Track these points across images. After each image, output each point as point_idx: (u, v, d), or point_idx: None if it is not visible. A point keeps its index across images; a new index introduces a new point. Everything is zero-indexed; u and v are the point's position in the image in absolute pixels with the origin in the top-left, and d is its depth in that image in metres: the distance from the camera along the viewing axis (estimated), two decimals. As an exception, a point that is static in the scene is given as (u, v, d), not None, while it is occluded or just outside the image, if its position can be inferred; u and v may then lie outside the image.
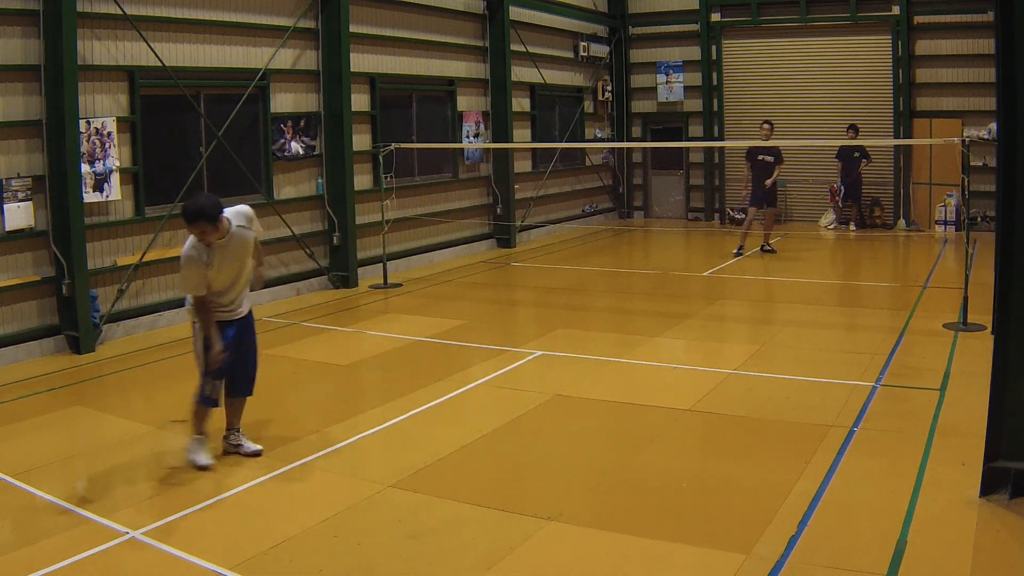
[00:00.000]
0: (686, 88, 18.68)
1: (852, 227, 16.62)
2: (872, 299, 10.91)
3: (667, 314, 10.10)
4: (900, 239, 15.69)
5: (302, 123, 11.63)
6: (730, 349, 8.46)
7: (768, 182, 13.58)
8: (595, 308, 11.04)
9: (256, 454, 5.84)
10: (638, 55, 19.41)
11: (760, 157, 13.65)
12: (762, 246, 14.22)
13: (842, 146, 15.96)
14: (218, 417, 5.87)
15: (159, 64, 9.61)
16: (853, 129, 15.86)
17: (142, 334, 9.51)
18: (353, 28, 12.03)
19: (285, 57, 11.37)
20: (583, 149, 18.46)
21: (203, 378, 5.61)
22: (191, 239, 5.46)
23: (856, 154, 15.98)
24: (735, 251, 13.89)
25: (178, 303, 10.01)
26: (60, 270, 8.69)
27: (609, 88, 19.22)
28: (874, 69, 16.72)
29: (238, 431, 5.91)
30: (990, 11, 15.04)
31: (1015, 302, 4.83)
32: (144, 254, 9.55)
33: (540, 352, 8.34)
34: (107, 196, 9.18)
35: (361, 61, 12.52)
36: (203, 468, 5.60)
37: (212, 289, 5.55)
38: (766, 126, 13.64)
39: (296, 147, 11.55)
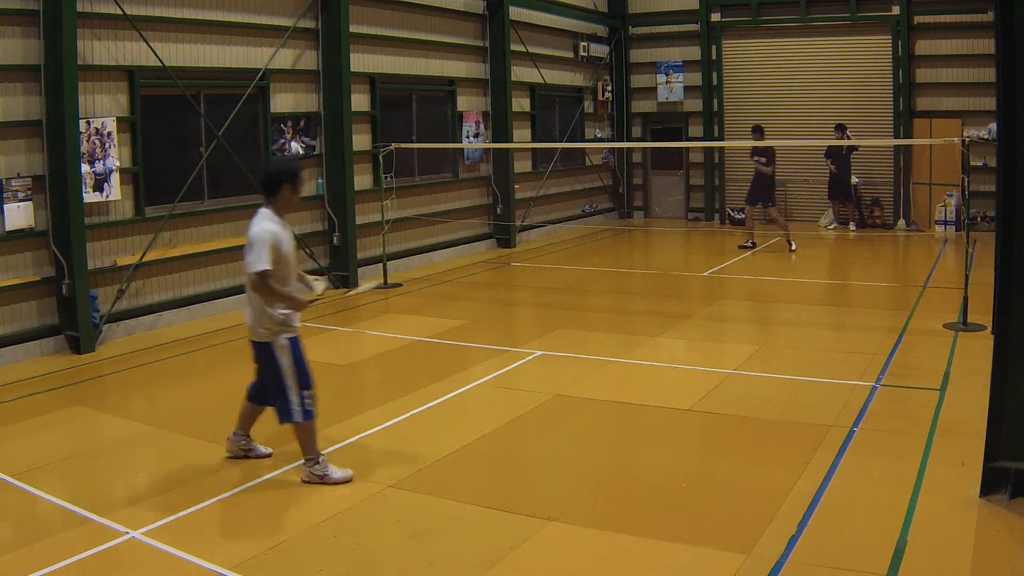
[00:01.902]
0: (686, 88, 18.68)
1: (852, 227, 16.60)
2: (872, 299, 10.91)
3: (667, 314, 10.10)
4: (900, 239, 15.68)
5: (302, 123, 11.63)
6: (730, 349, 8.46)
7: (769, 172, 14.13)
8: (595, 308, 11.04)
9: (268, 455, 5.81)
10: (638, 55, 19.41)
11: (755, 158, 14.12)
12: (789, 245, 14.29)
13: (830, 146, 15.96)
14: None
15: (159, 64, 9.61)
16: (839, 129, 15.86)
17: (142, 334, 9.52)
18: (353, 28, 12.03)
19: (285, 57, 11.37)
20: (583, 149, 18.46)
21: (297, 394, 5.30)
22: (264, 214, 5.23)
23: (844, 151, 15.95)
24: (746, 244, 14.44)
25: (178, 303, 10.04)
26: (60, 270, 8.68)
27: (609, 88, 19.22)
28: (874, 69, 16.72)
29: (249, 436, 5.79)
30: (990, 11, 15.05)
31: (1015, 302, 4.82)
32: (144, 254, 9.55)
33: (540, 352, 8.33)
34: (107, 196, 9.18)
35: (361, 61, 12.52)
36: (347, 481, 5.37)
37: (280, 274, 5.21)
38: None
39: (296, 147, 11.55)
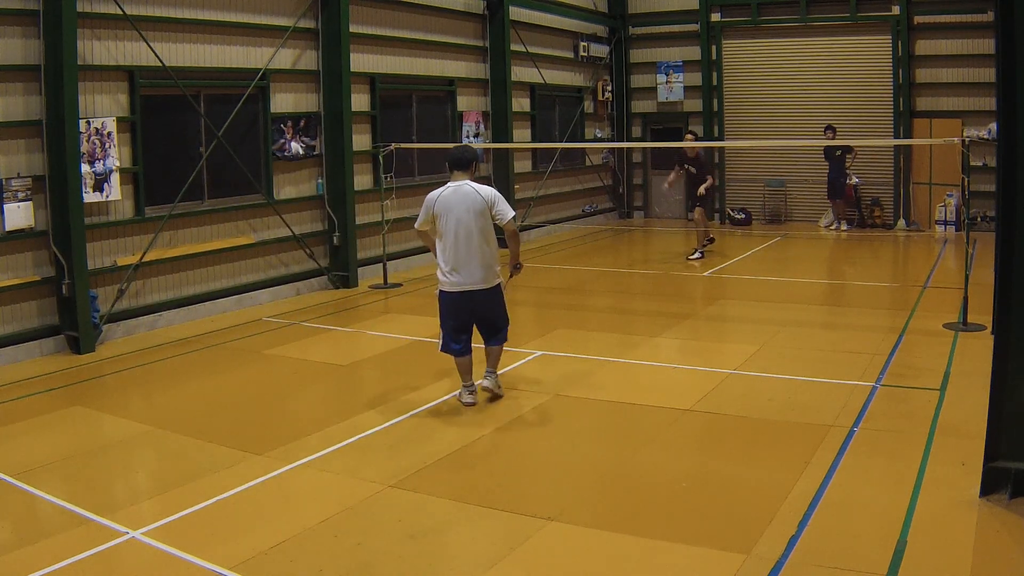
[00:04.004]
0: (686, 88, 18.68)
1: (843, 226, 16.56)
2: (872, 299, 10.91)
3: (667, 314, 10.10)
4: (900, 239, 15.69)
5: (302, 123, 11.63)
6: (730, 349, 8.45)
7: (701, 190, 13.63)
8: (595, 308, 11.04)
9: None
10: (638, 55, 19.41)
11: (686, 166, 13.79)
12: (696, 250, 13.85)
13: (826, 147, 16.00)
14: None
15: (159, 64, 9.61)
16: (831, 130, 15.90)
17: (142, 334, 9.51)
18: (353, 28, 12.03)
19: (285, 57, 11.37)
20: (583, 149, 18.46)
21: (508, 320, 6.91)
22: (474, 182, 6.66)
23: (838, 152, 15.98)
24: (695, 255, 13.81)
25: (178, 303, 10.04)
26: (60, 270, 8.68)
27: (609, 88, 19.23)
28: (874, 69, 16.72)
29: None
30: (990, 11, 15.05)
31: (1015, 302, 4.82)
32: (144, 254, 9.55)
33: (540, 352, 8.33)
34: (107, 196, 9.18)
35: (361, 61, 12.52)
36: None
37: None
38: (689, 136, 14.05)
39: (296, 147, 11.54)
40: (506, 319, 6.90)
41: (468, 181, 6.62)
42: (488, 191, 6.62)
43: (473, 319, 6.76)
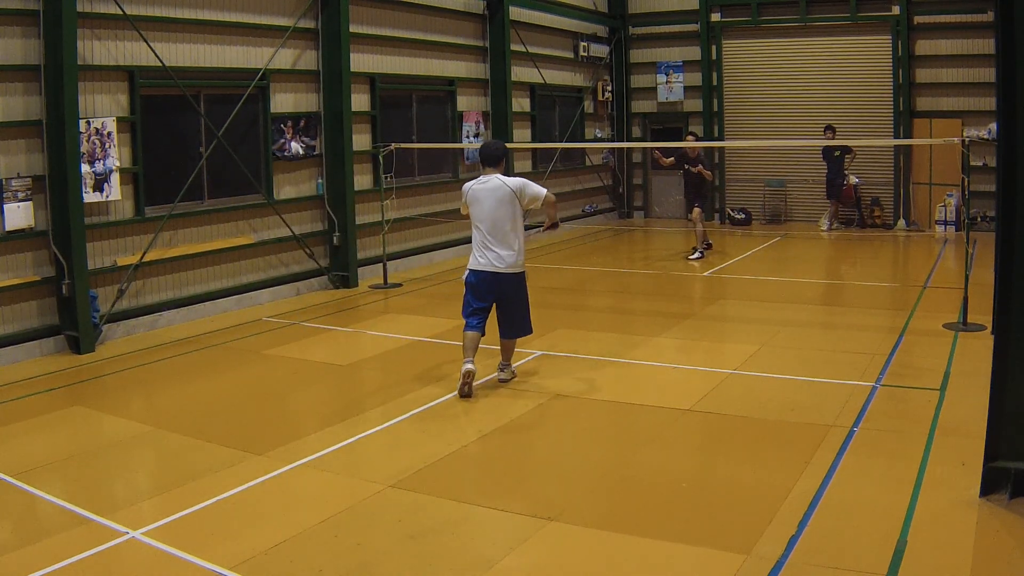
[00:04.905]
0: (686, 88, 18.69)
1: (833, 224, 16.56)
2: (872, 299, 10.90)
3: (667, 314, 10.10)
4: (900, 239, 15.69)
5: (302, 123, 11.63)
6: (730, 349, 8.46)
7: (700, 168, 13.56)
8: (595, 308, 11.04)
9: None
10: (638, 55, 19.42)
11: (686, 166, 13.79)
12: (694, 251, 13.81)
13: (824, 147, 16.01)
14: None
15: (159, 64, 9.61)
16: (830, 130, 15.93)
17: (142, 334, 9.52)
18: (353, 28, 12.03)
19: (285, 57, 11.37)
20: (583, 149, 18.46)
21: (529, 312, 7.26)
22: (503, 175, 7.12)
23: (837, 153, 15.99)
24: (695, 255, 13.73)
25: (178, 303, 10.04)
26: (60, 270, 8.68)
27: (609, 88, 19.23)
28: (874, 69, 16.72)
29: (510, 363, 7.44)
30: (990, 11, 15.06)
31: (1015, 302, 4.82)
32: (144, 254, 9.55)
33: (540, 352, 8.33)
34: (107, 196, 9.18)
35: (361, 61, 12.52)
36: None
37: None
38: (689, 137, 14.18)
39: (296, 147, 11.54)
40: (526, 316, 7.26)
41: (498, 175, 7.08)
42: (516, 181, 7.08)
43: (494, 300, 7.09)
